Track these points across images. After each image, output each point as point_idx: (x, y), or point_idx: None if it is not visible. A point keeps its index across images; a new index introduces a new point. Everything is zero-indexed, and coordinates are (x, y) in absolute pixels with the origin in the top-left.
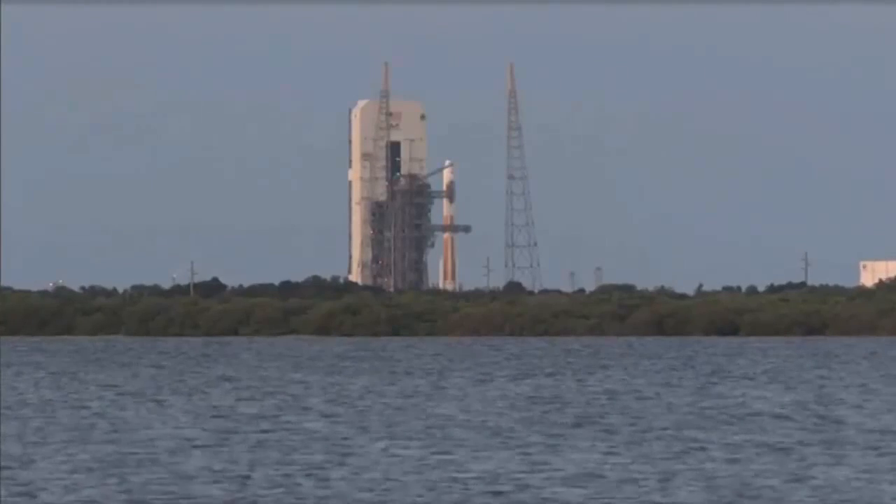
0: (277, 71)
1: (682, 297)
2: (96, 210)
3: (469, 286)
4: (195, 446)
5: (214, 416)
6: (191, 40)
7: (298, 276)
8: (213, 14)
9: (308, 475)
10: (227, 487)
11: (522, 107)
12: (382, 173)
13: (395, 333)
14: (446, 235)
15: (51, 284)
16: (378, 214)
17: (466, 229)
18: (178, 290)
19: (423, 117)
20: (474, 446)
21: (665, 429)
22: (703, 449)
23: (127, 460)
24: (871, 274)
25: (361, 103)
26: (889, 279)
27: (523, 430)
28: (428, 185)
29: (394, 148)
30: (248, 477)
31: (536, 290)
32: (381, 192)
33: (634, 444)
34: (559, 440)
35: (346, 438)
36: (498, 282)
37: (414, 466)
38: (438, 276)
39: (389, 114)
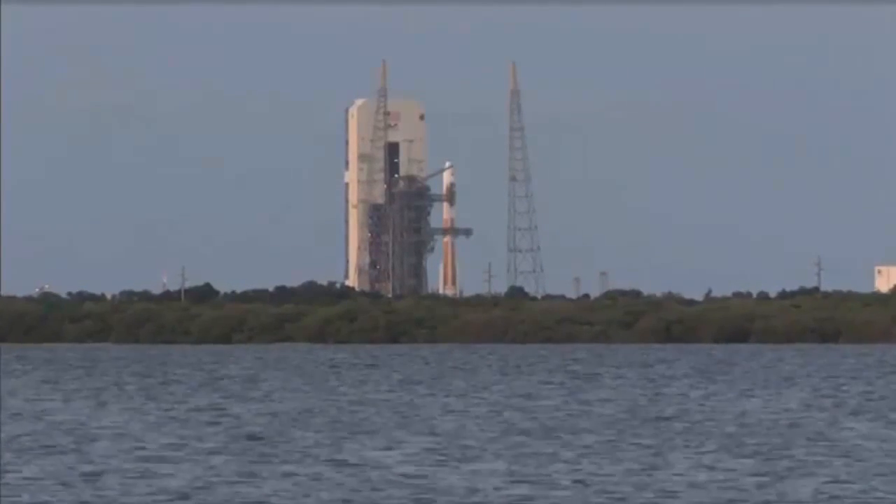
0: (271, 69)
1: (691, 302)
2: (84, 213)
3: (470, 292)
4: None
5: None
6: (181, 39)
7: (293, 282)
8: (205, 11)
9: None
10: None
11: (525, 106)
12: (380, 175)
13: (394, 340)
14: (446, 239)
15: (36, 289)
16: (376, 218)
17: (467, 233)
18: (168, 296)
19: (422, 117)
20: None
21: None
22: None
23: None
24: (887, 279)
25: (358, 102)
26: None
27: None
28: (427, 188)
29: (392, 149)
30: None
31: (539, 296)
32: (378, 195)
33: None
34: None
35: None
36: (500, 287)
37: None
38: (438, 282)
39: (387, 113)
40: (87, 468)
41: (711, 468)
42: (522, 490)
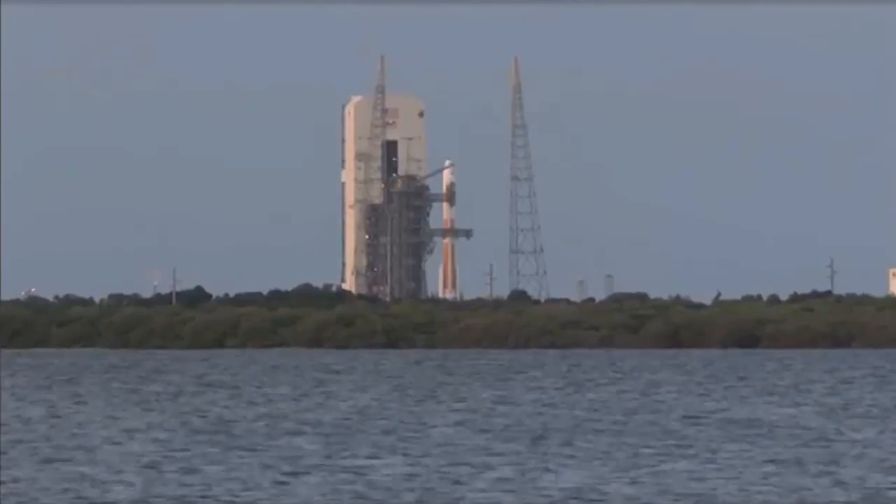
0: (266, 66)
1: (699, 306)
2: (72, 214)
3: (470, 295)
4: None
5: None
6: (174, 37)
7: (288, 285)
8: (200, 10)
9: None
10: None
11: (527, 103)
12: (378, 174)
13: (392, 346)
14: (446, 241)
15: (23, 293)
16: (373, 218)
17: (468, 234)
18: (159, 300)
19: (421, 114)
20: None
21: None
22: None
23: None
24: None
25: (355, 99)
26: None
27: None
28: (426, 187)
29: (390, 147)
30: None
31: (543, 300)
32: (376, 195)
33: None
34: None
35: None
36: (501, 290)
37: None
38: (438, 285)
39: (385, 111)
40: None
41: (723, 471)
42: (522, 496)
